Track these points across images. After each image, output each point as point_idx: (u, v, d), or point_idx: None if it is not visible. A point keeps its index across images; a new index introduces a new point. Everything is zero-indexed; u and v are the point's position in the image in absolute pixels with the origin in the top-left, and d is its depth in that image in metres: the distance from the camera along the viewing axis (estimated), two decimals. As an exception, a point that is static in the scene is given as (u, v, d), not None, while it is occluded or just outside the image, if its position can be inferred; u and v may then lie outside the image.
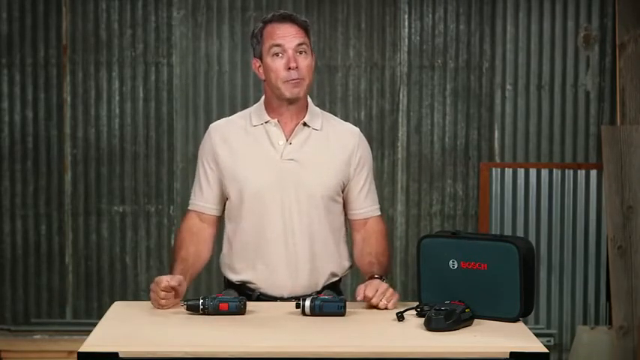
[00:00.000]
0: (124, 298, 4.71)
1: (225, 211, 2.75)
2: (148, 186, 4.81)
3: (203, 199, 2.73)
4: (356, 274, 4.94)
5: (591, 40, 4.79)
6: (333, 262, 2.73)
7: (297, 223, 2.66)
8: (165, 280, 2.49)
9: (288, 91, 2.62)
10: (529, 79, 4.80)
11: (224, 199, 2.74)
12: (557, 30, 4.80)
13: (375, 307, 2.51)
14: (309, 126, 2.70)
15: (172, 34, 4.76)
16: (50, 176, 4.79)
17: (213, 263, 4.58)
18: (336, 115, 4.67)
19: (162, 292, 2.48)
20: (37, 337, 4.71)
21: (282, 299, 2.67)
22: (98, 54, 4.75)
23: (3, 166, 4.78)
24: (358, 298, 2.52)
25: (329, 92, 4.76)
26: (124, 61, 4.76)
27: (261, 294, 2.69)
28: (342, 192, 2.74)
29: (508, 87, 4.80)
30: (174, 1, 4.75)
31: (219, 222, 2.78)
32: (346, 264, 2.80)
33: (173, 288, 2.49)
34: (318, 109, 2.77)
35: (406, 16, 4.77)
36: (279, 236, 2.66)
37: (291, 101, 2.65)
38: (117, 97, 4.78)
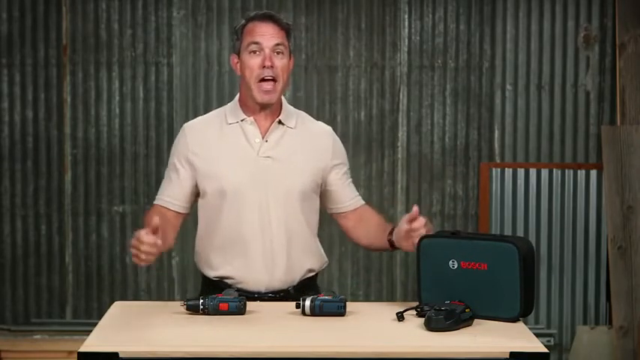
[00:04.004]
0: (124, 298, 4.71)
1: (201, 209, 2.77)
2: (148, 186, 4.80)
3: (169, 195, 2.75)
4: (356, 275, 4.94)
5: (591, 40, 4.79)
6: (309, 257, 2.77)
7: (274, 219, 2.68)
8: (144, 229, 2.45)
9: (259, 96, 2.67)
10: (529, 79, 4.80)
11: (191, 199, 2.76)
12: (557, 30, 4.80)
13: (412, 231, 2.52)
14: (284, 124, 2.74)
15: (172, 34, 4.76)
16: (50, 176, 4.79)
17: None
18: (336, 115, 4.71)
19: (147, 238, 2.43)
20: (37, 337, 4.71)
21: (259, 294, 2.69)
22: (98, 54, 4.75)
23: (3, 166, 4.78)
24: (408, 219, 2.53)
25: (329, 92, 4.76)
26: (124, 61, 4.76)
27: (238, 289, 2.69)
28: (320, 189, 2.78)
29: (508, 87, 4.80)
30: (174, 1, 4.75)
31: (183, 219, 2.78)
32: (322, 259, 2.84)
33: (155, 230, 2.44)
34: (292, 107, 2.83)
35: (406, 16, 4.77)
36: (256, 232, 2.68)
37: (263, 106, 2.69)
38: (117, 97, 4.78)
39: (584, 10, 4.78)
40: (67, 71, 4.76)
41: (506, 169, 4.81)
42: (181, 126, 4.77)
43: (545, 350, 2.15)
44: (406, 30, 4.78)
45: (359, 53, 4.78)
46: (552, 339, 4.79)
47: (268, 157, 2.69)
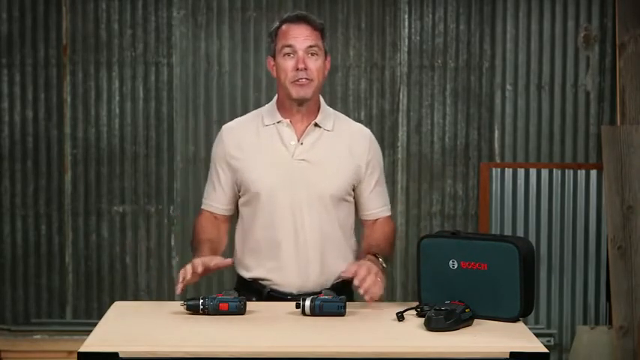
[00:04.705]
0: (124, 298, 4.71)
1: (239, 209, 2.79)
2: (148, 186, 4.81)
3: (215, 200, 2.80)
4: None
5: (591, 40, 4.79)
6: (343, 261, 2.75)
7: (307, 222, 2.69)
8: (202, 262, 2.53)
9: (294, 92, 2.66)
10: (529, 79, 4.80)
11: (236, 200, 2.79)
12: (557, 30, 4.80)
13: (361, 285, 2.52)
14: (320, 126, 2.73)
15: (172, 34, 4.76)
16: (50, 176, 4.79)
17: (213, 263, 4.56)
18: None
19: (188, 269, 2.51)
20: (37, 337, 4.70)
21: (291, 295, 2.69)
22: (98, 54, 4.75)
23: (3, 166, 4.78)
24: (345, 273, 2.54)
25: (329, 92, 4.76)
26: (124, 61, 4.76)
27: (272, 290, 2.71)
28: (354, 192, 2.77)
29: (508, 87, 4.80)
30: (174, 1, 4.75)
31: (232, 219, 2.84)
32: None
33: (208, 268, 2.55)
34: (330, 109, 2.81)
35: (406, 16, 4.77)
36: (289, 235, 2.69)
37: (299, 102, 2.69)
38: (117, 97, 4.78)
39: (584, 10, 4.78)
40: (67, 71, 4.76)
41: (506, 169, 4.81)
42: (181, 126, 4.83)
43: (545, 350, 2.15)
44: (406, 30, 4.78)
45: (359, 53, 4.78)
46: (552, 339, 4.79)
47: (303, 159, 2.69)
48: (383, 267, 2.63)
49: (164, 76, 4.78)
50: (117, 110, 4.78)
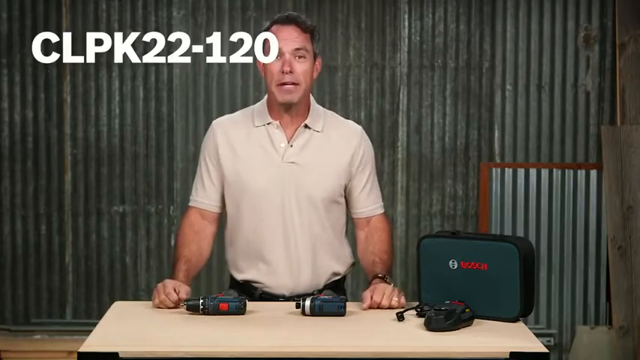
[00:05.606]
0: (124, 298, 4.71)
1: (227, 210, 2.77)
2: (148, 186, 4.81)
3: (205, 196, 2.75)
4: (355, 275, 4.93)
5: (591, 40, 4.79)
6: (334, 262, 2.75)
7: (297, 224, 2.67)
8: (175, 292, 2.50)
9: (280, 97, 2.64)
10: (529, 79, 4.80)
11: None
12: (557, 30, 4.80)
13: (385, 307, 2.52)
14: (310, 128, 2.71)
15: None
16: (50, 176, 4.79)
17: (213, 263, 4.59)
18: (336, 115, 4.70)
19: (168, 301, 2.50)
20: (37, 337, 4.70)
21: (284, 297, 2.69)
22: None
23: (3, 166, 4.78)
24: (365, 305, 2.52)
25: (329, 92, 4.76)
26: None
27: (264, 292, 2.71)
28: (345, 191, 2.75)
29: (508, 87, 4.80)
30: (174, 1, 4.75)
31: (221, 219, 2.80)
32: (349, 262, 2.82)
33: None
34: (321, 108, 2.78)
35: (406, 16, 4.78)
36: (279, 237, 2.68)
37: (286, 107, 2.67)
38: (117, 97, 4.78)
39: (584, 10, 4.78)
40: (67, 71, 4.76)
41: (506, 169, 4.81)
42: (181, 126, 4.83)
43: (545, 350, 2.15)
44: (406, 30, 4.78)
45: (359, 53, 4.78)
46: (552, 339, 4.79)
47: (292, 162, 2.67)
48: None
49: (164, 76, 4.78)
50: (117, 110, 4.78)
